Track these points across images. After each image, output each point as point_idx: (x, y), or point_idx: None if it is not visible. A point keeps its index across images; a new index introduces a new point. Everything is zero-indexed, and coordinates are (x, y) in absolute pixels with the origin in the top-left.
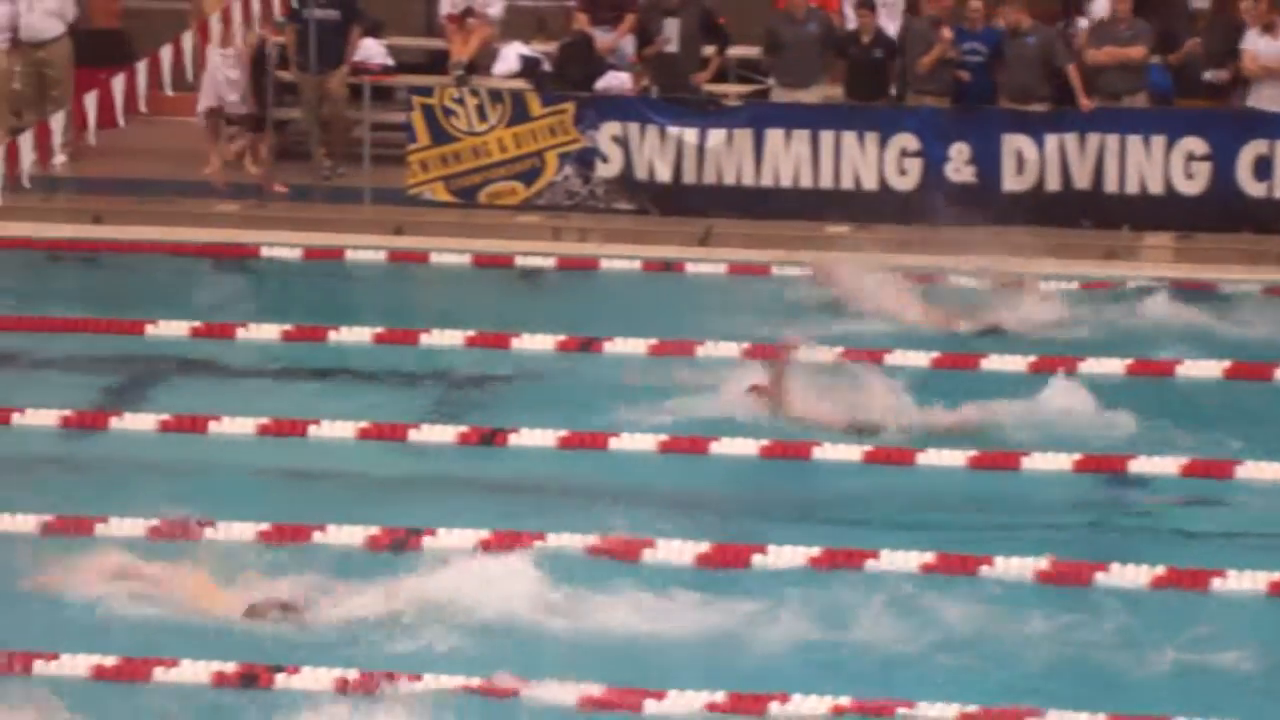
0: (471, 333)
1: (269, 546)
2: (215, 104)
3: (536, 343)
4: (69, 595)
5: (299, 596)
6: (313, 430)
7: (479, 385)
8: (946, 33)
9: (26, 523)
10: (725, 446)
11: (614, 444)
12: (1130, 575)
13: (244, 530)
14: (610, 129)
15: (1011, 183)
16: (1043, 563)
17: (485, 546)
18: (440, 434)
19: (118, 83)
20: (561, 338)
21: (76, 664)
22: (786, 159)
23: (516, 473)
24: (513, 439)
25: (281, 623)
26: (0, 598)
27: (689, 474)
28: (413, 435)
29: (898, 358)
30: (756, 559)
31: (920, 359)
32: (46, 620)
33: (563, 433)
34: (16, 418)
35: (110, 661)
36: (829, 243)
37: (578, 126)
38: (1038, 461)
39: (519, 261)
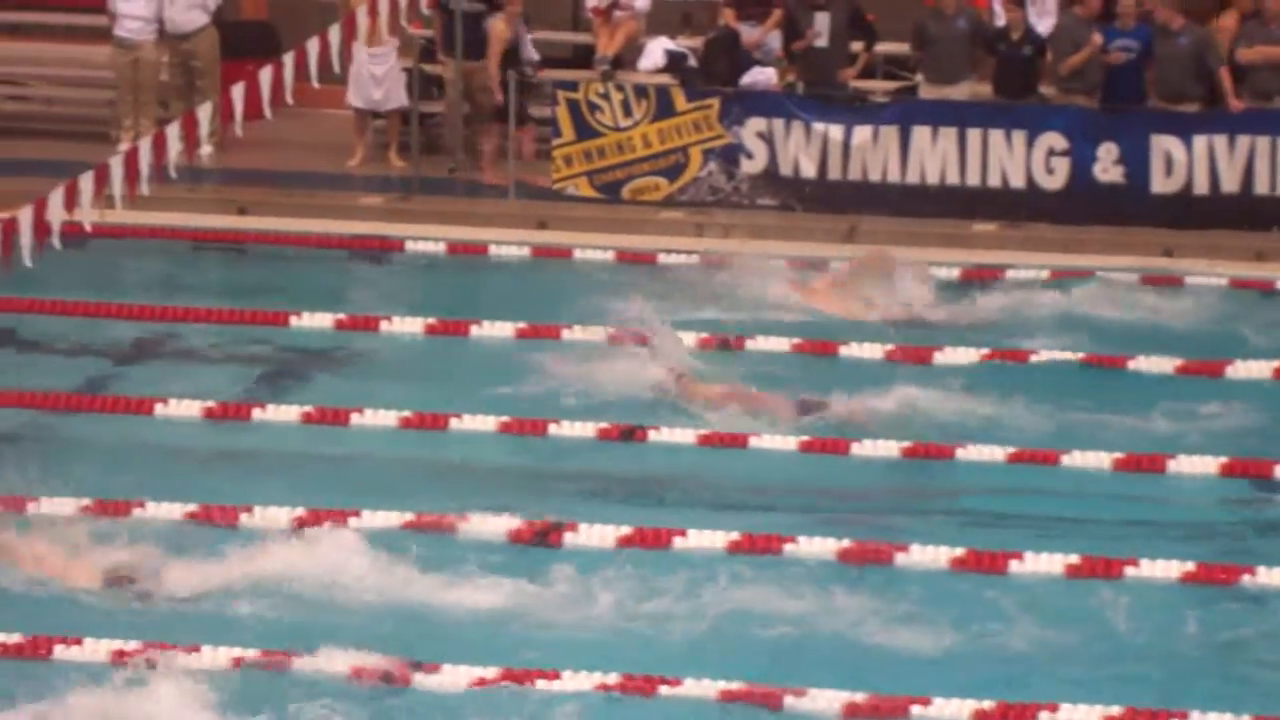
0: (612, 329)
1: (411, 537)
2: (362, 104)
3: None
4: (211, 585)
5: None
6: (454, 424)
7: (619, 381)
8: (1097, 38)
9: (171, 511)
10: (867, 448)
11: (754, 442)
12: (1278, 577)
13: (388, 519)
14: (755, 125)
15: (1160, 184)
16: (1189, 565)
17: (625, 542)
18: (580, 430)
19: (264, 74)
20: (703, 335)
21: (218, 656)
22: (933, 156)
23: (656, 469)
24: (652, 435)
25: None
26: (147, 586)
27: (830, 473)
28: (552, 430)
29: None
30: (899, 558)
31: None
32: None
33: (703, 430)
34: (160, 408)
35: (251, 654)
36: (975, 240)
37: (722, 122)
38: (1184, 465)
39: (661, 259)
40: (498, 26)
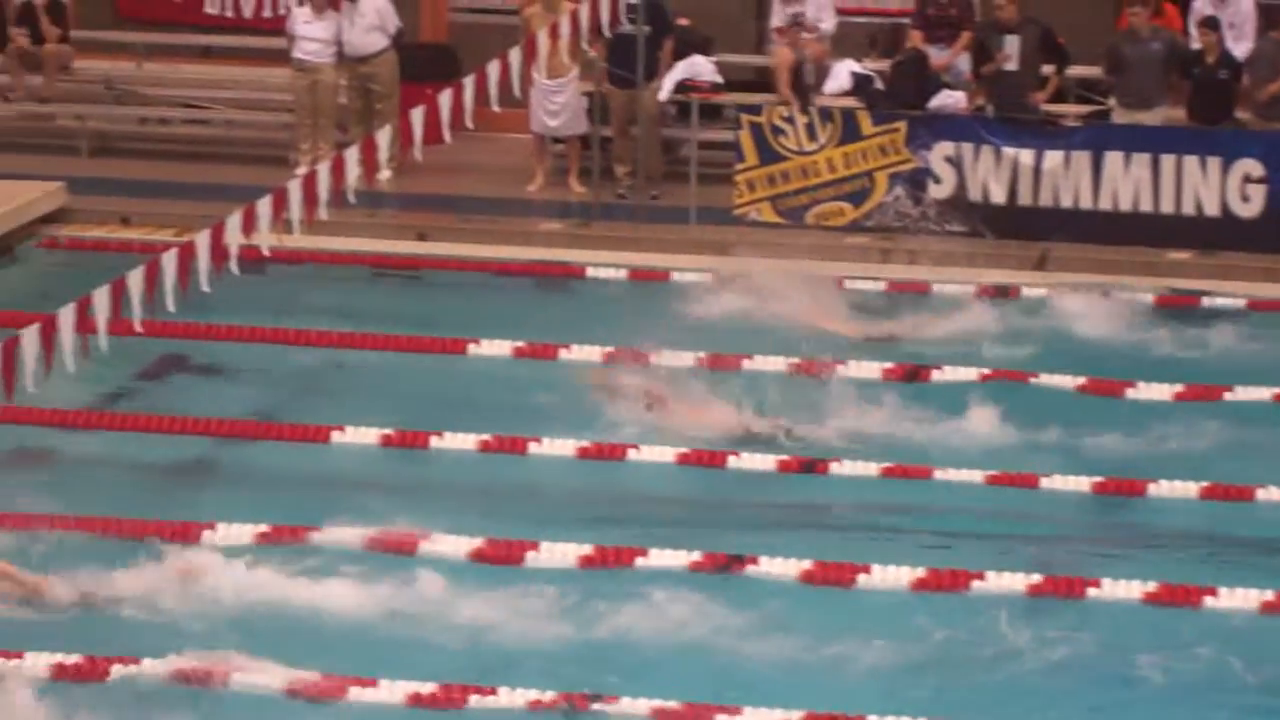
0: (795, 359)
1: (589, 571)
2: (541, 129)
3: (862, 370)
4: (386, 616)
5: None
6: (631, 454)
7: (801, 413)
8: None
9: (353, 537)
10: (1056, 482)
11: (938, 475)
12: None
13: (566, 552)
14: (943, 149)
15: None
16: None
17: (807, 577)
18: (760, 462)
19: (444, 98)
20: (888, 365)
21: (394, 691)
22: (1126, 182)
23: (838, 502)
24: (834, 468)
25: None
26: (324, 617)
27: (1017, 506)
28: (732, 462)
29: None
30: (1091, 592)
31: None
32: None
33: (886, 463)
34: (337, 436)
35: (428, 689)
36: (1169, 269)
37: (909, 146)
38: None
39: (847, 284)
40: (782, 51)
